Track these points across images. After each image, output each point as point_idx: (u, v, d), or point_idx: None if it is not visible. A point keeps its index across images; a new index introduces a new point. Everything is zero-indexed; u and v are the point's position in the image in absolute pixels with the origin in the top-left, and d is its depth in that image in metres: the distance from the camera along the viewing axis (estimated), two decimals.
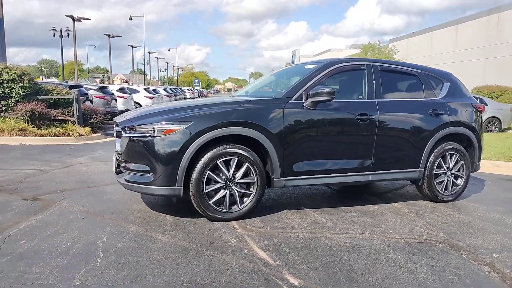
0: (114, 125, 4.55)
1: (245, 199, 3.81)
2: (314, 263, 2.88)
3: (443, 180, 4.69)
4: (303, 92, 4.03)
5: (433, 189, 4.64)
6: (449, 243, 3.37)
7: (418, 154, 4.50)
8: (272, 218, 3.90)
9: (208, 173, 3.63)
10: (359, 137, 4.24)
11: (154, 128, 3.58)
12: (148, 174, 3.61)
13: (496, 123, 14.16)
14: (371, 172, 4.31)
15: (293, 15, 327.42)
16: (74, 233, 3.30)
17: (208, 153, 3.61)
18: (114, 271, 2.63)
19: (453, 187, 4.76)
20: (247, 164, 3.74)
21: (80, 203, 4.21)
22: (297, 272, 2.72)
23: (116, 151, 4.15)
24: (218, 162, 3.65)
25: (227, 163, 3.70)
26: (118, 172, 4.06)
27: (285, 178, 3.93)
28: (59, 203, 4.19)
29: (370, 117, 4.21)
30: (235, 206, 3.78)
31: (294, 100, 3.98)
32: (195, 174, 3.59)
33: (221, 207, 3.73)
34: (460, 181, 4.79)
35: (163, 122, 3.60)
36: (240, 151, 3.71)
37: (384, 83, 4.48)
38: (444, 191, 4.71)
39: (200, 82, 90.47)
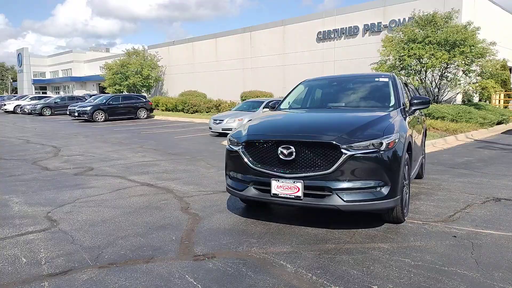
0: (241, 146, 3.82)
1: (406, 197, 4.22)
2: None
3: (422, 163, 6.51)
4: (402, 101, 4.79)
5: (422, 169, 6.39)
6: (505, 198, 5.07)
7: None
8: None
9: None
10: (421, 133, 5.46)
11: (380, 142, 3.50)
12: (379, 189, 3.49)
13: None
14: None
15: None
16: None
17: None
18: None
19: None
20: (406, 166, 4.19)
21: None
22: None
23: (279, 176, 3.62)
24: None
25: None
26: (306, 195, 3.56)
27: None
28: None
29: (422, 116, 5.48)
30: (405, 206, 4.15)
31: (403, 108, 4.69)
32: (399, 182, 3.76)
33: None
34: (424, 161, 6.76)
35: (384, 135, 3.58)
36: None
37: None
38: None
39: None
